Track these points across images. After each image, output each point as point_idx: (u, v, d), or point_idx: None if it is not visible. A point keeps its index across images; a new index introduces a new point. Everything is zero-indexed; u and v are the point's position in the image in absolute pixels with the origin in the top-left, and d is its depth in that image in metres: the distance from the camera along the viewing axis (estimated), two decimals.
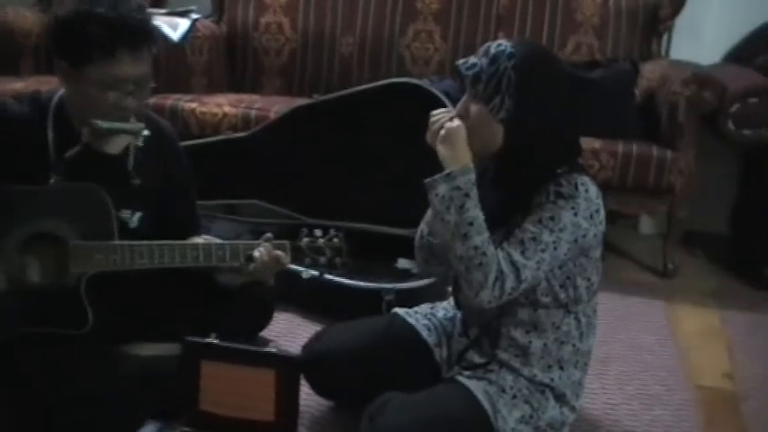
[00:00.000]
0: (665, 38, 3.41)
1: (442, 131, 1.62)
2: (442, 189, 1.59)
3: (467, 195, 1.59)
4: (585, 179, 1.64)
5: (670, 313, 2.77)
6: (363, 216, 2.68)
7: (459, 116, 1.64)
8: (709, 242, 3.40)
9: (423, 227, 1.81)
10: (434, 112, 1.66)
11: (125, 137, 1.83)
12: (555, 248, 1.60)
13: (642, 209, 3.09)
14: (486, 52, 1.62)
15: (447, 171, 1.60)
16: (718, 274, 3.16)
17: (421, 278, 2.45)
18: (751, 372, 2.38)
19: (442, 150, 1.61)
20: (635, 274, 3.08)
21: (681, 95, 2.90)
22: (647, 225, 3.62)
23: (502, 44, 1.62)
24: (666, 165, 2.90)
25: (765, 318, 2.78)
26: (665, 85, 2.99)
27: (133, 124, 1.78)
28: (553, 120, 1.62)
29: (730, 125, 2.91)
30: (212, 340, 1.77)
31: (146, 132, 1.82)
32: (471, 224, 1.58)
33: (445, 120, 1.63)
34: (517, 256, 1.59)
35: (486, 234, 1.59)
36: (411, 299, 2.28)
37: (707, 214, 3.36)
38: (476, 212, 1.59)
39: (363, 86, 2.76)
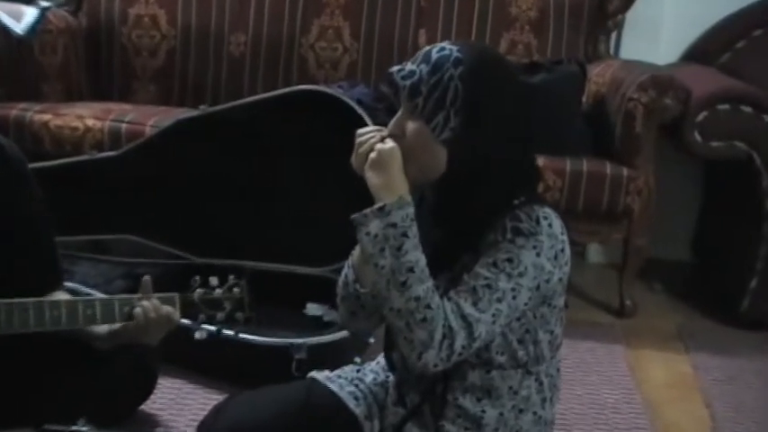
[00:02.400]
0: (614, 35, 3.46)
1: (373, 155, 1.59)
2: (375, 227, 1.57)
3: (405, 235, 1.56)
4: (548, 211, 1.63)
5: (632, 360, 2.78)
6: (263, 253, 2.68)
7: (393, 136, 1.61)
8: (669, 272, 3.45)
9: (347, 272, 1.75)
10: (361, 130, 1.63)
11: None
12: (514, 297, 1.58)
13: (594, 236, 3.12)
14: (427, 58, 1.60)
15: (380, 204, 1.57)
16: (683, 310, 3.21)
17: (336, 328, 2.45)
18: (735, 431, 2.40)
19: (373, 178, 1.59)
20: (587, 314, 3.09)
21: (637, 102, 2.92)
22: (595, 253, 3.66)
23: (446, 48, 1.60)
24: (622, 184, 2.93)
25: (744, 361, 2.81)
26: (617, 90, 3.02)
27: None
28: (509, 140, 1.61)
29: (696, 136, 2.95)
30: (79, 429, 1.66)
31: None
32: (411, 270, 1.55)
33: (376, 141, 1.60)
34: (468, 309, 1.56)
35: (430, 282, 1.56)
36: (326, 355, 2.29)
37: (666, 239, 3.40)
38: (416, 255, 1.56)
39: (259, 96, 2.77)
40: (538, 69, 3.08)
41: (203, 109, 2.79)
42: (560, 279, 1.64)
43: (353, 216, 1.58)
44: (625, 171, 2.93)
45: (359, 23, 3.39)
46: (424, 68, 1.58)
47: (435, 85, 1.57)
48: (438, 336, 1.53)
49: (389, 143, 1.59)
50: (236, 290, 1.87)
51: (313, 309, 2.59)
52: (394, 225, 1.55)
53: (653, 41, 3.42)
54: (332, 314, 2.52)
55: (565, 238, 1.63)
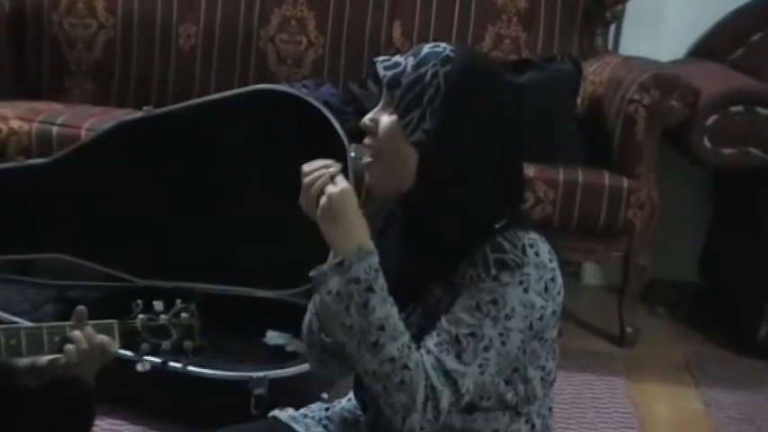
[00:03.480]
0: (612, 28, 3.47)
1: (323, 202, 1.58)
2: (335, 284, 1.57)
3: (370, 289, 1.56)
4: (533, 237, 1.62)
5: (635, 395, 2.78)
6: (216, 273, 2.67)
7: (366, 129, 1.63)
8: (675, 295, 3.45)
9: (311, 318, 1.76)
10: (307, 167, 1.61)
11: None
12: (503, 343, 1.58)
13: (590, 255, 3.13)
14: (417, 51, 1.62)
15: (338, 259, 1.57)
16: (691, 337, 3.21)
17: (300, 359, 2.44)
18: None
19: (327, 229, 1.59)
20: (583, 342, 3.08)
21: (639, 104, 2.94)
22: (592, 273, 3.67)
23: (440, 46, 1.63)
24: (622, 197, 2.94)
25: (762, 397, 2.81)
26: (616, 91, 3.03)
27: None
28: (489, 153, 1.61)
29: (705, 142, 2.95)
30: None
31: None
32: (382, 328, 1.55)
33: (325, 180, 1.59)
34: (452, 363, 1.56)
35: (405, 337, 1.57)
36: (290, 391, 2.31)
37: (671, 258, 3.41)
38: (385, 310, 1.57)
39: (212, 96, 2.77)
40: (527, 67, 3.10)
41: (148, 110, 2.76)
42: (554, 312, 1.63)
43: (311, 274, 1.59)
44: (625, 182, 2.94)
45: (326, 14, 3.39)
46: (410, 61, 1.60)
47: (416, 80, 1.59)
48: (420, 398, 1.54)
49: (340, 183, 1.59)
50: (184, 315, 1.83)
51: (274, 337, 2.58)
52: (357, 280, 1.56)
53: (656, 35, 3.43)
54: (295, 343, 2.51)
55: (554, 264, 1.63)
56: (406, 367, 1.54)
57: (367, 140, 1.64)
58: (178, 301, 1.85)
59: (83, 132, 2.90)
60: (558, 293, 1.63)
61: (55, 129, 2.95)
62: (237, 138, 2.66)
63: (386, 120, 1.61)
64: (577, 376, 2.79)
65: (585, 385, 2.76)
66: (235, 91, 2.75)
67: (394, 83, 1.60)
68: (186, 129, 2.69)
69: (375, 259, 1.58)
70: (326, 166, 1.60)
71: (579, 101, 3.12)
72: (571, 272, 3.58)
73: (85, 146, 2.77)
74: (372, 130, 1.62)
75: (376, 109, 1.64)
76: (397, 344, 1.55)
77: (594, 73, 3.19)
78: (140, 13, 3.41)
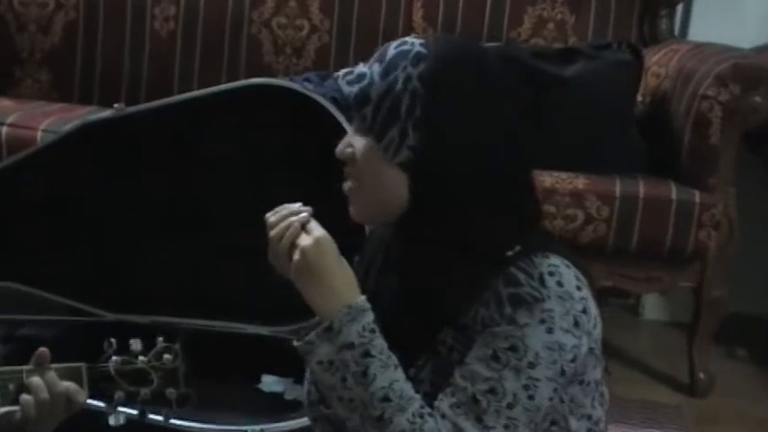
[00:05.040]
0: (679, 9, 3.49)
1: (296, 258, 1.63)
2: (326, 353, 1.61)
3: (367, 354, 1.59)
4: (554, 262, 1.64)
5: None
6: (201, 305, 2.69)
7: (344, 158, 1.66)
8: (757, 333, 3.44)
9: (310, 388, 1.81)
10: (270, 216, 1.67)
11: None
12: (530, 397, 1.60)
13: (653, 285, 3.11)
14: (382, 56, 1.64)
15: (325, 324, 1.61)
16: None
17: (302, 410, 2.35)
18: None
19: (305, 290, 1.63)
20: (645, 391, 3.08)
21: (714, 101, 2.93)
22: (654, 307, 3.67)
23: (407, 42, 1.64)
24: (693, 214, 2.94)
25: None
26: (686, 85, 3.03)
27: None
28: (491, 163, 1.62)
29: None
30: None
31: None
32: (387, 399, 1.59)
33: (295, 231, 1.64)
34: (471, 429, 1.59)
35: (415, 405, 1.60)
36: None
37: (752, 289, 3.41)
38: (388, 377, 1.60)
39: (196, 92, 2.79)
40: (575, 57, 3.12)
41: (118, 108, 2.76)
42: (591, 349, 1.65)
43: (296, 344, 1.63)
44: (696, 196, 2.95)
45: None
46: (376, 69, 1.62)
47: (387, 90, 1.60)
48: None
49: (315, 231, 1.62)
50: (167, 357, 1.82)
51: (270, 383, 2.61)
52: (350, 345, 1.58)
53: (735, 17, 3.45)
54: (295, 390, 2.54)
55: (585, 292, 1.64)
56: None
57: (347, 170, 1.66)
58: (159, 340, 1.85)
59: (38, 134, 2.91)
60: (594, 327, 1.65)
61: (3, 130, 2.96)
62: (225, 143, 2.67)
63: (359, 146, 1.63)
64: None
65: None
66: (222, 86, 2.75)
67: (362, 99, 1.61)
68: (164, 132, 2.70)
69: (369, 317, 1.60)
70: (294, 213, 1.65)
71: (640, 97, 3.13)
72: (628, 305, 3.62)
73: (41, 151, 2.77)
74: (350, 157, 1.64)
75: (350, 132, 1.66)
76: (406, 415, 1.57)
77: (658, 63, 3.20)
78: None
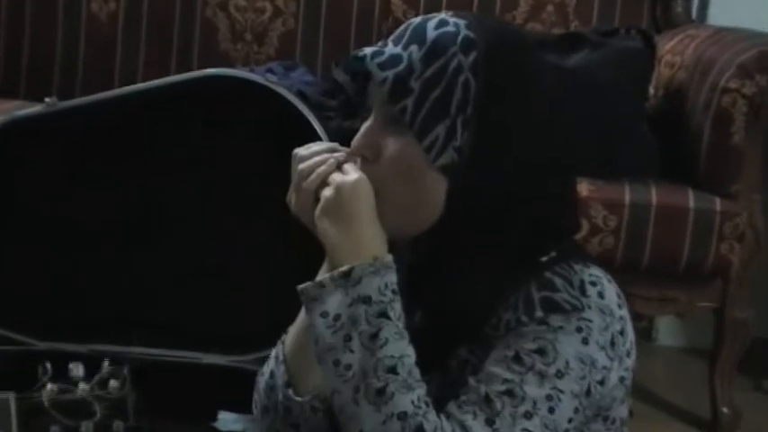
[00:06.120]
0: None
1: (328, 193, 1.63)
2: (336, 303, 1.60)
3: (384, 314, 1.59)
4: (596, 273, 1.66)
5: None
6: (148, 331, 2.69)
7: (360, 159, 1.65)
8: None
9: (274, 368, 1.82)
10: (302, 150, 1.68)
11: None
12: (551, 410, 1.60)
13: (668, 307, 3.15)
14: (420, 36, 1.62)
15: (344, 268, 1.59)
16: None
17: None
18: None
19: (329, 231, 1.63)
20: (660, 426, 3.18)
21: (737, 94, 2.96)
22: (669, 332, 3.76)
23: (449, 22, 1.63)
24: (713, 224, 2.97)
25: None
26: (705, 76, 3.06)
27: None
28: (543, 170, 1.64)
29: None
30: None
31: None
32: (394, 371, 1.57)
33: (328, 170, 1.64)
34: (480, 430, 1.58)
35: (422, 389, 1.59)
36: None
37: None
38: (400, 347, 1.59)
39: (142, 85, 2.78)
40: (578, 44, 3.08)
41: (51, 103, 2.72)
42: (622, 379, 1.65)
43: (301, 286, 1.60)
44: (717, 203, 3.01)
45: None
46: (416, 52, 1.60)
47: (435, 80, 1.59)
48: None
49: (353, 173, 1.62)
50: (113, 385, 1.85)
51: (228, 421, 2.59)
52: (367, 300, 1.58)
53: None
54: (256, 429, 2.50)
55: (625, 313, 1.65)
56: (420, 429, 1.55)
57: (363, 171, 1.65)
58: (104, 364, 1.87)
59: None
60: (628, 355, 1.66)
61: None
62: (175, 143, 2.68)
63: (393, 145, 1.62)
64: None
65: None
66: (172, 78, 2.74)
67: (401, 88, 1.60)
68: (104, 130, 2.69)
69: (393, 277, 1.60)
70: (332, 149, 1.66)
71: (652, 90, 3.16)
72: (641, 329, 3.61)
73: None
74: (372, 160, 1.64)
75: (368, 126, 1.65)
76: (411, 396, 1.56)
77: (673, 51, 3.24)
78: None
